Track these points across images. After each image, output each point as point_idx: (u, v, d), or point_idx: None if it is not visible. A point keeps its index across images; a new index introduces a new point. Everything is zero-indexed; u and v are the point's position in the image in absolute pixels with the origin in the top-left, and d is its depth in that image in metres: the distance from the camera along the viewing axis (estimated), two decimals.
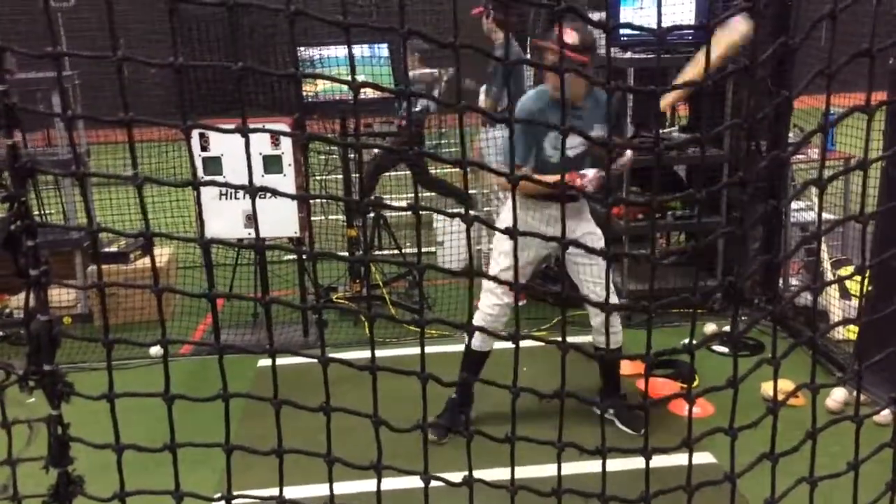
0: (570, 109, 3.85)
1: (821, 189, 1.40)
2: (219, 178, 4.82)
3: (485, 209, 6.93)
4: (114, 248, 6.15)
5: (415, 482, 1.65)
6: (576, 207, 4.19)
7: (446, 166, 7.50)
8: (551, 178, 3.39)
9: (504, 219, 4.26)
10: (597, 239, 4.21)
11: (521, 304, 5.97)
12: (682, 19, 5.31)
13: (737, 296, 4.83)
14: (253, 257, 5.81)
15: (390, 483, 1.78)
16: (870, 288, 4.45)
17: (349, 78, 1.42)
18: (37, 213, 6.63)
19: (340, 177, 6.08)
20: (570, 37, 3.79)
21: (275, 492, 1.75)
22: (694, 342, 1.61)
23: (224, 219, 4.97)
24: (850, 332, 4.89)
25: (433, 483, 1.60)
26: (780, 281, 5.77)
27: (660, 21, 1.36)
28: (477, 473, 1.62)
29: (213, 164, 4.99)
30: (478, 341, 4.21)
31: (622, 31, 5.36)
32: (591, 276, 4.12)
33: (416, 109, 6.55)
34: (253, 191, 1.44)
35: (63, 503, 1.57)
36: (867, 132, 1.42)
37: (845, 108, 1.60)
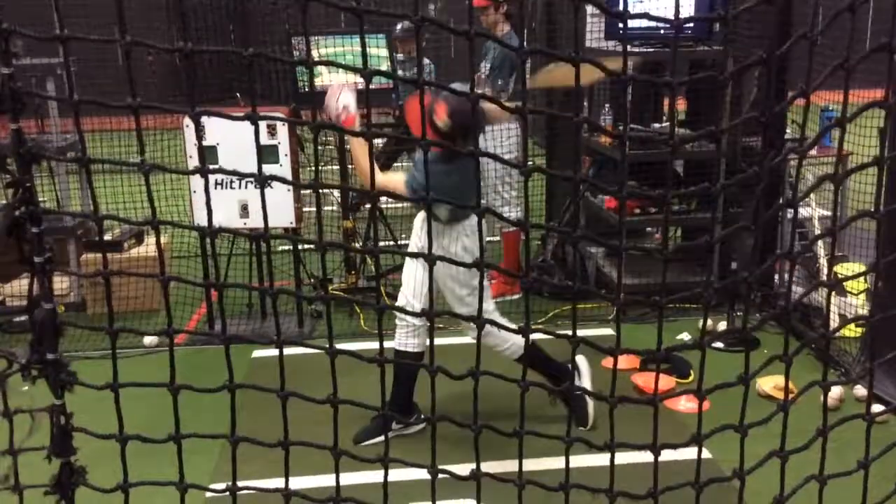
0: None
1: (836, 184, 1.39)
2: (214, 168, 4.78)
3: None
4: (108, 237, 6.10)
5: (405, 475, 1.63)
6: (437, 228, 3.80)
7: None
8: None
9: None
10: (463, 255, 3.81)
11: (517, 297, 5.94)
12: (682, 12, 5.28)
13: (732, 292, 4.83)
14: (248, 247, 5.78)
15: (377, 476, 1.76)
16: (880, 284, 4.43)
17: (356, 66, 1.40)
18: None
19: (336, 167, 6.04)
20: None
21: (271, 482, 1.75)
22: (684, 337, 1.61)
23: (219, 208, 4.92)
24: (849, 330, 4.88)
25: (421, 476, 1.60)
26: (776, 277, 5.77)
27: (628, 15, 1.34)
28: (483, 467, 1.61)
29: (209, 154, 4.95)
30: (414, 340, 3.94)
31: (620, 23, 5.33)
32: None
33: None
34: (236, 176, 1.42)
35: (65, 493, 1.55)
36: (887, 128, 1.41)
37: (855, 106, 1.59)
